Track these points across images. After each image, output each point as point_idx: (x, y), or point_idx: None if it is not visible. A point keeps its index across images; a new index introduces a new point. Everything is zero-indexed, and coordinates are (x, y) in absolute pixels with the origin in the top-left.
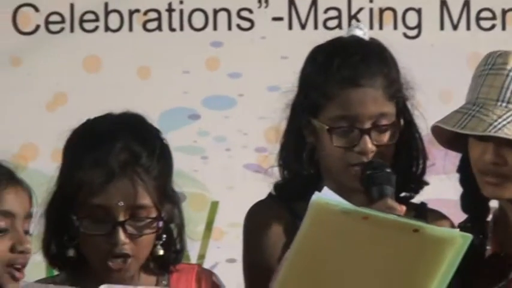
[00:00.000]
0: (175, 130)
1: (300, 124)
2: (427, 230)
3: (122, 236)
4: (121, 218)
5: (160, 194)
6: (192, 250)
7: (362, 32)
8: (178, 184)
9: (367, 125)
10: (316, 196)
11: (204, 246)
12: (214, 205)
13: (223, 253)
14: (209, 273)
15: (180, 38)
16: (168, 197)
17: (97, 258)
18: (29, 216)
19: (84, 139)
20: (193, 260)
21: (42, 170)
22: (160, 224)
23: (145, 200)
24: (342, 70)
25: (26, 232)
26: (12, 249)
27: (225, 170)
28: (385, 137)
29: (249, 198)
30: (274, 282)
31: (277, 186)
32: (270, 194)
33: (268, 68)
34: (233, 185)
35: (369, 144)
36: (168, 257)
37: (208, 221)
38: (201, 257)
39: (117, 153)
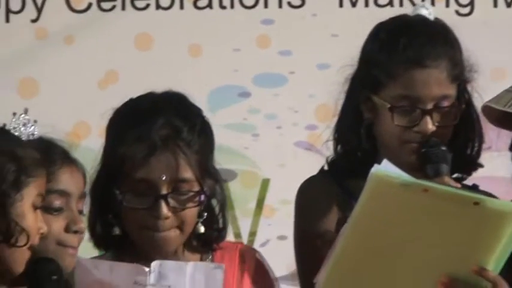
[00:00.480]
0: (226, 108)
1: (359, 100)
2: (488, 203)
3: (164, 209)
4: (163, 191)
5: (201, 169)
6: (244, 227)
7: (427, 11)
8: (229, 161)
9: (429, 106)
10: (375, 169)
11: (255, 224)
12: (265, 182)
13: (274, 230)
14: (252, 251)
15: (231, 16)
16: (209, 173)
17: (140, 233)
18: (83, 196)
19: (126, 116)
20: (245, 237)
21: (94, 148)
22: (202, 197)
23: (187, 173)
24: (408, 50)
25: (80, 212)
26: (66, 229)
27: (276, 148)
28: (446, 118)
29: (299, 175)
30: (329, 258)
31: (330, 162)
32: (321, 170)
33: (319, 46)
34: (284, 163)
35: (430, 124)
36: (210, 235)
37: (260, 198)
38: (252, 234)
39: (159, 128)
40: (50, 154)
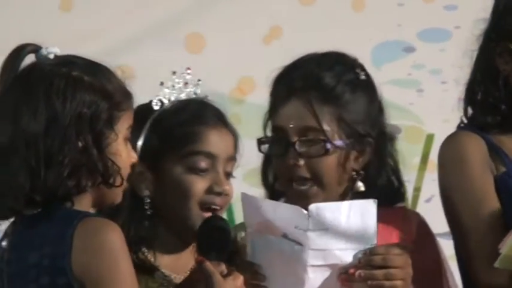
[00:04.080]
0: (390, 63)
1: (494, 53)
2: None
3: (291, 155)
4: (292, 139)
5: (341, 122)
6: (408, 182)
7: None
8: (394, 117)
9: None
10: None
11: (420, 179)
12: (430, 138)
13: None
14: (415, 214)
15: None
16: (350, 128)
17: (283, 183)
18: (231, 159)
19: (282, 69)
20: (409, 192)
21: (259, 103)
22: (329, 146)
23: (312, 121)
24: None
25: (228, 174)
26: (209, 190)
27: (440, 103)
28: None
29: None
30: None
31: (470, 118)
32: (463, 126)
33: (485, 1)
34: (448, 118)
35: None
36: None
37: (424, 153)
38: (417, 189)
39: (298, 77)
40: (202, 115)
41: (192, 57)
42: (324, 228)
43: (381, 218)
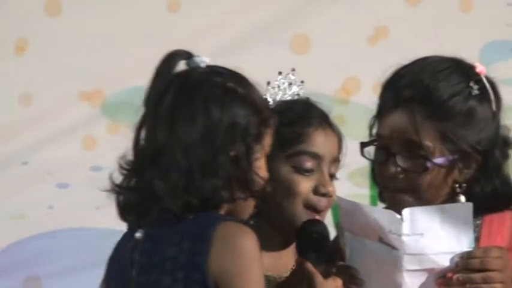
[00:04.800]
0: (498, 63)
1: None
2: None
3: (391, 167)
4: (393, 150)
5: (444, 136)
6: None
7: None
8: (506, 117)
9: None
10: None
11: None
12: None
13: None
14: None
15: None
16: (453, 143)
17: (382, 190)
18: (336, 160)
19: (393, 74)
20: None
21: (364, 103)
22: (429, 164)
23: (416, 136)
24: None
25: (332, 176)
26: (315, 191)
27: None
28: None
29: None
30: None
31: None
32: None
33: None
34: None
35: None
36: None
37: None
38: None
39: (405, 87)
40: (307, 116)
41: (297, 58)
42: (419, 233)
43: (485, 224)
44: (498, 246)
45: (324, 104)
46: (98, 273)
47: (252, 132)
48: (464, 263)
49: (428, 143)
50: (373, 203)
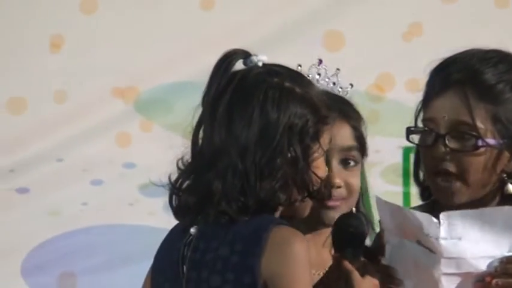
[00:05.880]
0: None
1: None
2: None
3: (440, 148)
4: (442, 131)
5: (496, 119)
6: None
7: None
8: None
9: None
10: None
11: None
12: None
13: None
14: None
15: None
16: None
17: (428, 178)
18: (349, 149)
19: (442, 61)
20: None
21: (398, 100)
22: (480, 143)
23: (466, 116)
24: None
25: (348, 161)
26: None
27: None
28: None
29: None
30: None
31: None
32: None
33: None
34: None
35: None
36: None
37: None
38: None
39: (456, 70)
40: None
41: (330, 55)
42: (457, 237)
43: None
44: None
45: (358, 100)
46: (132, 270)
47: (309, 131)
48: (504, 268)
49: (480, 123)
50: (406, 200)
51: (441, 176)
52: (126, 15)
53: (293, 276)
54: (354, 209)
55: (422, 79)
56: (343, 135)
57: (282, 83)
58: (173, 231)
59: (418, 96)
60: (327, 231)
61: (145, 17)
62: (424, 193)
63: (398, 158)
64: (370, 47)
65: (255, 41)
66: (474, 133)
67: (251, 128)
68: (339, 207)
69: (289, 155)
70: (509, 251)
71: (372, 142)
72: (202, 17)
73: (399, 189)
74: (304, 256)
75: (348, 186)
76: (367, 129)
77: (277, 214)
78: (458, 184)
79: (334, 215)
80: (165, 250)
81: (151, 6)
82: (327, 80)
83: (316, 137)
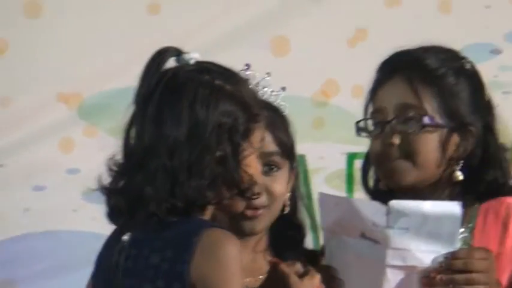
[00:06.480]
0: (477, 64)
1: None
2: None
3: (388, 134)
4: (389, 117)
5: (443, 103)
6: None
7: None
8: None
9: None
10: None
11: None
12: None
13: None
14: None
15: None
16: (454, 113)
17: (377, 165)
18: (270, 154)
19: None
20: None
21: (343, 106)
22: (426, 120)
23: (411, 99)
24: None
25: (272, 166)
26: None
27: None
28: None
29: None
30: None
31: None
32: None
33: None
34: None
35: None
36: (474, 187)
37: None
38: None
39: (398, 57)
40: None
41: (276, 60)
42: (405, 227)
43: (480, 212)
44: (483, 248)
45: (303, 106)
46: (75, 276)
47: (239, 129)
48: (448, 264)
49: (426, 104)
50: None
51: (389, 159)
52: (71, 20)
53: (222, 279)
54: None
55: (367, 85)
56: (265, 139)
57: (212, 81)
58: (111, 236)
59: (362, 102)
60: (258, 237)
61: (91, 22)
62: (374, 199)
63: (342, 164)
64: (315, 53)
65: (201, 46)
66: (421, 113)
67: (180, 127)
68: (260, 216)
69: (218, 153)
70: (455, 247)
71: (317, 148)
72: (149, 22)
73: (343, 195)
74: (235, 259)
75: (270, 192)
76: (312, 135)
77: (207, 213)
78: (406, 164)
79: (254, 224)
80: (103, 257)
81: (96, 11)
82: (256, 84)
83: (247, 135)
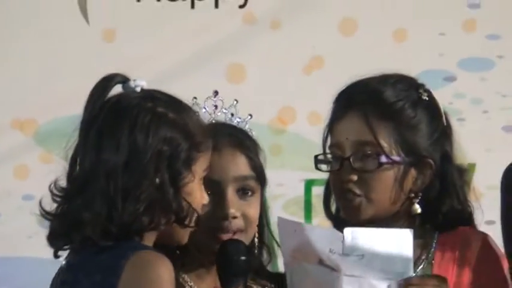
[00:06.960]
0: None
1: None
2: None
3: (346, 170)
4: (347, 154)
5: (398, 138)
6: None
7: None
8: None
9: None
10: None
11: None
12: (472, 167)
13: (482, 215)
14: (480, 235)
15: (436, 0)
16: (409, 146)
17: (337, 198)
18: (244, 178)
19: (343, 87)
20: None
21: (300, 133)
22: (383, 159)
23: (368, 136)
24: None
25: (246, 191)
26: (216, 215)
27: (482, 132)
28: None
29: (508, 160)
30: None
31: None
32: None
33: None
34: (491, 147)
35: None
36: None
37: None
38: None
39: (353, 92)
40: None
41: (233, 87)
42: (359, 254)
43: (439, 242)
44: (437, 275)
45: (260, 133)
46: None
47: (180, 157)
48: None
49: (383, 142)
50: None
51: (347, 195)
52: (26, 47)
53: None
54: (256, 241)
55: (323, 112)
56: (238, 164)
57: (154, 108)
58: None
59: (319, 129)
60: None
61: (46, 49)
62: (336, 225)
63: (300, 191)
64: (271, 80)
65: (157, 73)
66: (378, 150)
67: (119, 152)
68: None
69: (156, 180)
70: (408, 273)
71: (275, 175)
72: (104, 49)
73: (301, 221)
74: (168, 281)
75: (245, 217)
76: (270, 162)
77: (145, 240)
78: (363, 200)
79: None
80: (51, 283)
81: (51, 38)
82: (224, 111)
83: (189, 163)
